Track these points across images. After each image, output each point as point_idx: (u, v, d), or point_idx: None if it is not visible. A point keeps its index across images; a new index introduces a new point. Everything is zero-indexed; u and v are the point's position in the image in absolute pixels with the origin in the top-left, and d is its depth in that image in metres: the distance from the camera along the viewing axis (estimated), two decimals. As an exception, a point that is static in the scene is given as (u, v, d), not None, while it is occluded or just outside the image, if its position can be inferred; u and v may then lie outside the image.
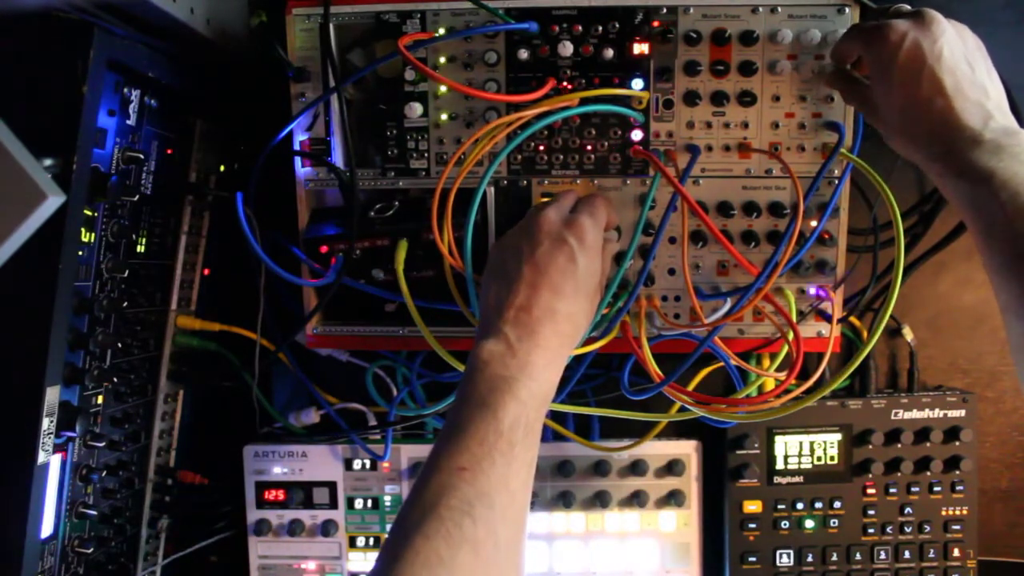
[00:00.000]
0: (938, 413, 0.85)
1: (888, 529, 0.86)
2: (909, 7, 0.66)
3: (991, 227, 0.57)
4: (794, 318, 0.73)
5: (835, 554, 0.86)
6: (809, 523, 0.86)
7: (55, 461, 0.65)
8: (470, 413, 0.55)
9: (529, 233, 0.64)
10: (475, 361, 0.58)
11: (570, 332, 0.63)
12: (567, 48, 0.74)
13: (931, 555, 0.86)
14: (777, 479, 0.86)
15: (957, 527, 0.86)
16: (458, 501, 0.51)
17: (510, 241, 0.66)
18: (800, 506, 0.86)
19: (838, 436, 0.86)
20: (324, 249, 0.77)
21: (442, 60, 0.76)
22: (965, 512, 0.86)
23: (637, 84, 0.75)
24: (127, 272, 0.74)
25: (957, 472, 0.85)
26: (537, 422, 0.58)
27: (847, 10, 0.73)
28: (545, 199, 0.77)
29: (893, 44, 0.61)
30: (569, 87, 0.75)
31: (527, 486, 0.56)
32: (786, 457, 0.86)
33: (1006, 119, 0.60)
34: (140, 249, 0.78)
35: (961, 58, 0.61)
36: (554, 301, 0.61)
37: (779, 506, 0.86)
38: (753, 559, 0.86)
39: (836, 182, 0.74)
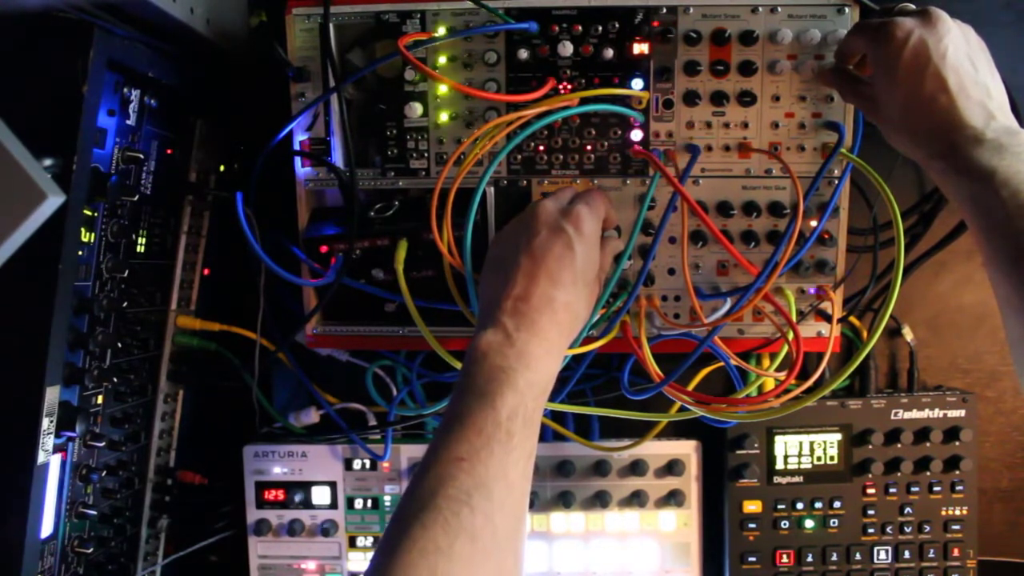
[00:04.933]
0: (938, 413, 0.85)
1: (888, 529, 0.86)
2: (913, 6, 0.66)
3: (992, 224, 0.57)
4: (794, 318, 0.73)
5: (835, 554, 0.86)
6: (809, 523, 0.86)
7: (55, 461, 0.65)
8: (468, 404, 0.55)
9: (527, 224, 0.64)
10: (473, 352, 0.58)
11: (568, 322, 0.63)
12: (567, 48, 0.74)
13: (931, 555, 0.86)
14: (777, 479, 0.86)
15: (957, 527, 0.86)
16: (456, 491, 0.51)
17: (508, 233, 0.66)
18: (800, 506, 0.86)
19: (838, 436, 0.86)
20: (324, 249, 0.77)
21: (442, 60, 0.76)
22: (965, 512, 0.86)
23: (637, 84, 0.75)
24: (127, 272, 0.74)
25: (957, 472, 0.85)
26: (536, 412, 0.58)
27: (847, 10, 0.73)
28: (545, 199, 0.77)
29: (898, 41, 0.62)
30: (569, 87, 0.75)
31: (526, 477, 0.56)
32: (786, 457, 0.86)
33: (1008, 119, 0.61)
34: (140, 249, 0.78)
35: (965, 57, 0.62)
36: (552, 290, 0.61)
37: (779, 506, 0.86)
38: (753, 559, 0.86)
39: (836, 182, 0.74)
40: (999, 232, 0.57)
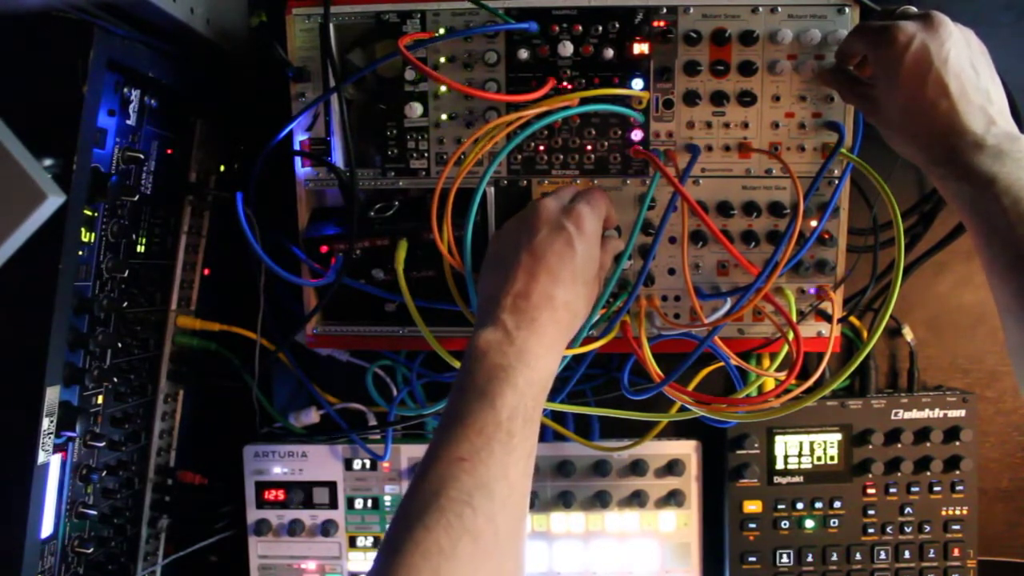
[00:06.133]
0: (938, 413, 0.85)
1: (888, 529, 0.86)
2: (915, 9, 0.66)
3: (992, 231, 0.58)
4: (794, 318, 0.73)
5: (835, 554, 0.86)
6: (809, 523, 0.86)
7: (55, 461, 0.65)
8: (468, 403, 0.55)
9: (527, 222, 0.64)
10: (473, 350, 0.58)
11: (568, 320, 0.62)
12: (567, 48, 0.74)
13: (931, 555, 0.86)
14: (777, 479, 0.86)
15: (957, 527, 0.86)
16: (458, 492, 0.51)
17: (509, 230, 0.66)
18: (800, 506, 0.86)
19: (838, 436, 0.86)
20: (324, 249, 0.77)
21: (442, 60, 0.76)
22: (965, 512, 0.86)
23: (637, 84, 0.75)
24: (127, 272, 0.74)
25: (957, 472, 0.85)
26: (536, 411, 0.57)
27: (847, 10, 0.73)
28: (545, 199, 0.77)
29: (900, 45, 0.62)
30: (569, 87, 0.75)
31: (527, 475, 0.56)
32: (786, 457, 0.86)
33: (1008, 125, 0.61)
34: (140, 249, 0.78)
35: (967, 62, 0.61)
36: (552, 288, 0.61)
37: (779, 506, 0.86)
38: (753, 559, 0.86)
39: (836, 182, 0.74)
40: (1000, 239, 0.57)
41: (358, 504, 0.88)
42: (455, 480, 0.51)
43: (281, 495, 0.88)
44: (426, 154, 0.78)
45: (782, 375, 0.68)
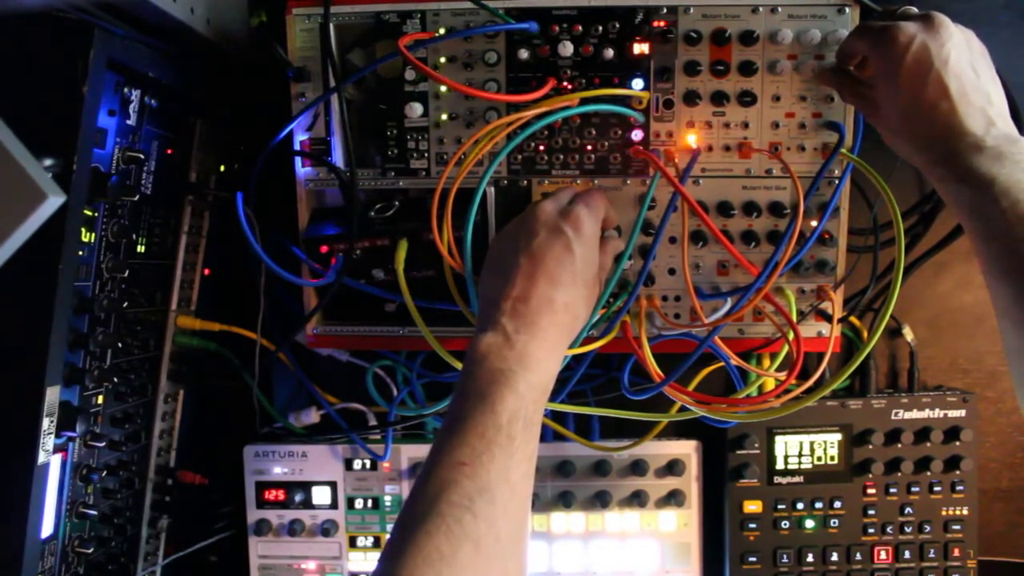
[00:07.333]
0: (938, 413, 0.85)
1: (888, 529, 0.86)
2: (916, 9, 0.66)
3: (991, 233, 0.57)
4: (794, 318, 0.73)
5: (835, 554, 0.86)
6: (809, 523, 0.86)
7: (55, 461, 0.65)
8: (469, 407, 0.55)
9: (526, 225, 0.64)
10: (473, 354, 0.58)
11: (568, 323, 0.63)
12: (567, 48, 0.74)
13: (931, 555, 0.86)
14: (777, 479, 0.86)
15: (957, 527, 0.86)
16: (459, 497, 0.51)
17: (508, 234, 0.66)
18: (800, 506, 0.86)
19: (838, 436, 0.86)
20: (324, 249, 0.77)
21: (442, 60, 0.76)
22: (965, 512, 0.86)
23: (637, 84, 0.75)
24: (127, 272, 0.74)
25: (957, 472, 0.85)
26: (536, 414, 0.58)
27: (847, 10, 0.73)
28: (545, 199, 0.77)
29: (901, 46, 0.62)
30: (569, 87, 0.75)
31: (528, 479, 0.56)
32: (786, 457, 0.86)
33: (1008, 126, 0.61)
34: (140, 249, 0.78)
35: (967, 63, 0.61)
36: (551, 291, 0.61)
37: (779, 506, 0.86)
38: (753, 559, 0.86)
39: (836, 182, 0.74)
40: (999, 242, 0.57)
41: (358, 504, 0.88)
42: (456, 485, 0.51)
43: (281, 495, 0.88)
44: (426, 154, 0.78)
45: (782, 375, 0.68)
